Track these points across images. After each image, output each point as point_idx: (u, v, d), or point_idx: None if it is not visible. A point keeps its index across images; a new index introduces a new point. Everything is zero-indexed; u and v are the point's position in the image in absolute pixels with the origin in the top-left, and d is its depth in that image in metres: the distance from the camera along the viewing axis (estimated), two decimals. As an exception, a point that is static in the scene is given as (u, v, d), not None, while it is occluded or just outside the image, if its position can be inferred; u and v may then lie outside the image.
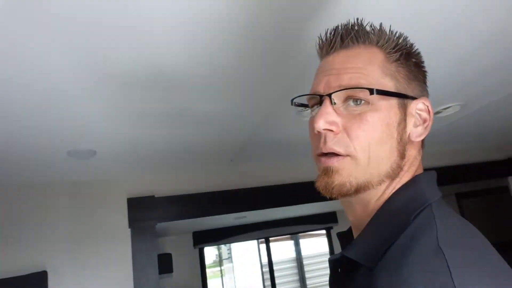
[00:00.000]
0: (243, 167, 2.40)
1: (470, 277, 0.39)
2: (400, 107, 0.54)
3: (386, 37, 0.56)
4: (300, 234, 4.86)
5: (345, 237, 0.64)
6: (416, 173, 0.56)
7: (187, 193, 2.24)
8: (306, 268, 5.24)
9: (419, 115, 0.56)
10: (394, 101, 0.54)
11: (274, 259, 4.29)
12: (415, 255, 0.43)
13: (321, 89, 0.55)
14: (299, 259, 5.26)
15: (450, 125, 2.11)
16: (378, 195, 0.54)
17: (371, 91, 0.51)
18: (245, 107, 1.45)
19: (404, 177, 0.55)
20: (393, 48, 0.55)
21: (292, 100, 0.63)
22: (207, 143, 1.82)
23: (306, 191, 2.35)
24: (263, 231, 3.90)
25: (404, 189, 0.54)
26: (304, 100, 0.61)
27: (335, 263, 0.57)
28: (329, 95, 0.53)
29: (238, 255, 5.68)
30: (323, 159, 0.54)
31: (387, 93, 0.53)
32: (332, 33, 0.58)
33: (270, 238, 4.31)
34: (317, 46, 0.60)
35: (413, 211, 0.50)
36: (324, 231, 4.48)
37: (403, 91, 0.54)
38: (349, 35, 0.56)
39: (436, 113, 1.84)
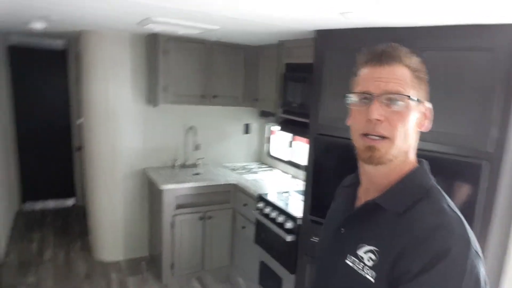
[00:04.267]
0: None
1: (468, 230, 0.75)
2: (417, 108, 0.81)
3: (412, 61, 0.81)
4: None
5: (348, 188, 0.98)
6: (415, 149, 0.86)
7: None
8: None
9: (425, 113, 0.84)
10: (416, 104, 0.80)
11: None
12: (445, 212, 0.76)
13: (372, 90, 0.79)
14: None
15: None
16: (400, 164, 0.83)
17: (408, 97, 0.78)
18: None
19: (411, 153, 0.85)
20: (416, 69, 0.81)
21: (347, 95, 0.85)
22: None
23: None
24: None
25: (420, 168, 0.85)
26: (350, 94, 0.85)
27: (364, 206, 0.86)
28: (379, 96, 0.79)
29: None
30: (367, 139, 0.80)
31: (415, 99, 0.80)
32: (379, 50, 0.81)
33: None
34: (365, 56, 0.84)
35: (426, 184, 0.83)
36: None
37: (420, 98, 0.81)
38: (392, 57, 0.80)
39: None
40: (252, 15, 2.03)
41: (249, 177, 3.46)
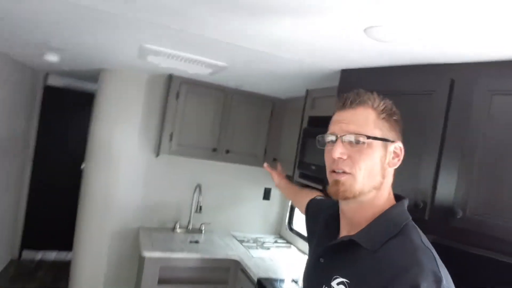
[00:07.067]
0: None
1: (441, 267, 0.76)
2: (382, 146, 0.86)
3: (377, 103, 0.87)
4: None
5: (331, 217, 0.99)
6: (390, 187, 0.89)
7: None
8: None
9: (395, 152, 0.88)
10: (379, 143, 0.86)
11: None
12: (417, 248, 0.77)
13: (336, 131, 0.88)
14: None
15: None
16: (371, 201, 0.86)
17: (367, 136, 0.85)
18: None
19: (383, 190, 0.87)
20: (381, 110, 0.87)
21: (317, 136, 0.93)
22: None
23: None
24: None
25: (397, 206, 0.87)
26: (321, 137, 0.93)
27: (341, 243, 0.88)
28: (341, 136, 0.86)
29: None
30: (334, 174, 0.86)
31: (375, 138, 0.85)
32: (346, 96, 0.89)
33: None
34: (336, 102, 0.92)
35: (403, 221, 0.84)
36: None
37: (385, 137, 0.86)
38: (355, 101, 0.87)
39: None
40: (260, 42, 1.59)
41: (257, 253, 2.78)
